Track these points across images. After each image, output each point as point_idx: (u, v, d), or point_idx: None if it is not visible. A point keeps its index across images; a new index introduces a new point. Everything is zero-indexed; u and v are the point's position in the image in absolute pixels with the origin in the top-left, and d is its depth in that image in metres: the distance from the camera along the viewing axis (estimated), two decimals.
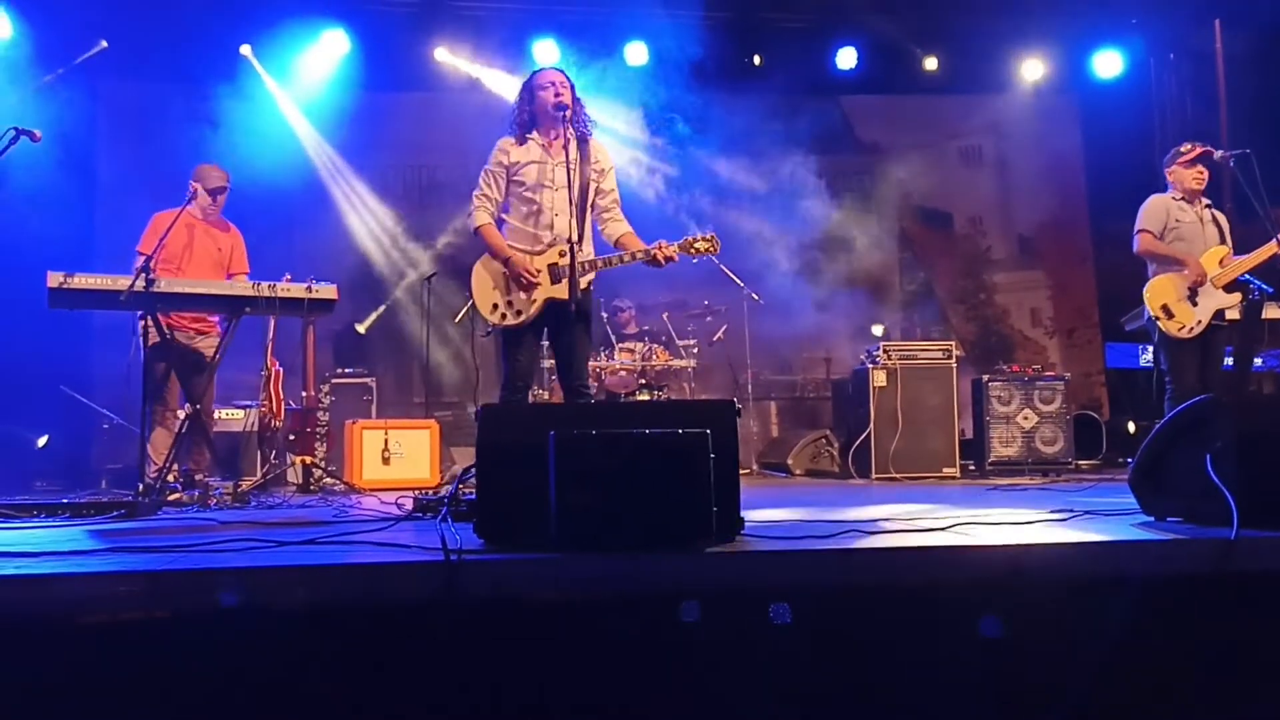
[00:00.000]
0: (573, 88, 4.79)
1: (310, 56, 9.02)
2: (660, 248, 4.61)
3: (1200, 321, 5.56)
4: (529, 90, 4.80)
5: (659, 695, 2.54)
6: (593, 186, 4.77)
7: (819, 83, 9.84)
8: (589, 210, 4.77)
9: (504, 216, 4.84)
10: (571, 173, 4.59)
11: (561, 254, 4.56)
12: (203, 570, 2.54)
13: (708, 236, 4.69)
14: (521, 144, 4.79)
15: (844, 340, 9.65)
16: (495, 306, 4.72)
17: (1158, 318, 5.62)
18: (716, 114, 9.31)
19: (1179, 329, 5.58)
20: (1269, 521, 2.84)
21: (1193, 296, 5.60)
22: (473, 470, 3.06)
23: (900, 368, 7.49)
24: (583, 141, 4.75)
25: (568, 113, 4.63)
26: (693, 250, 4.67)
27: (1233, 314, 5.72)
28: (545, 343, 5.50)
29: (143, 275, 4.96)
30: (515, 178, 4.76)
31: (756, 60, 9.77)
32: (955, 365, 7.57)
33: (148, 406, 5.43)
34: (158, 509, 4.59)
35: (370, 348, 9.28)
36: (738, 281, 8.31)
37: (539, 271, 4.65)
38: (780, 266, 9.72)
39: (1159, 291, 5.68)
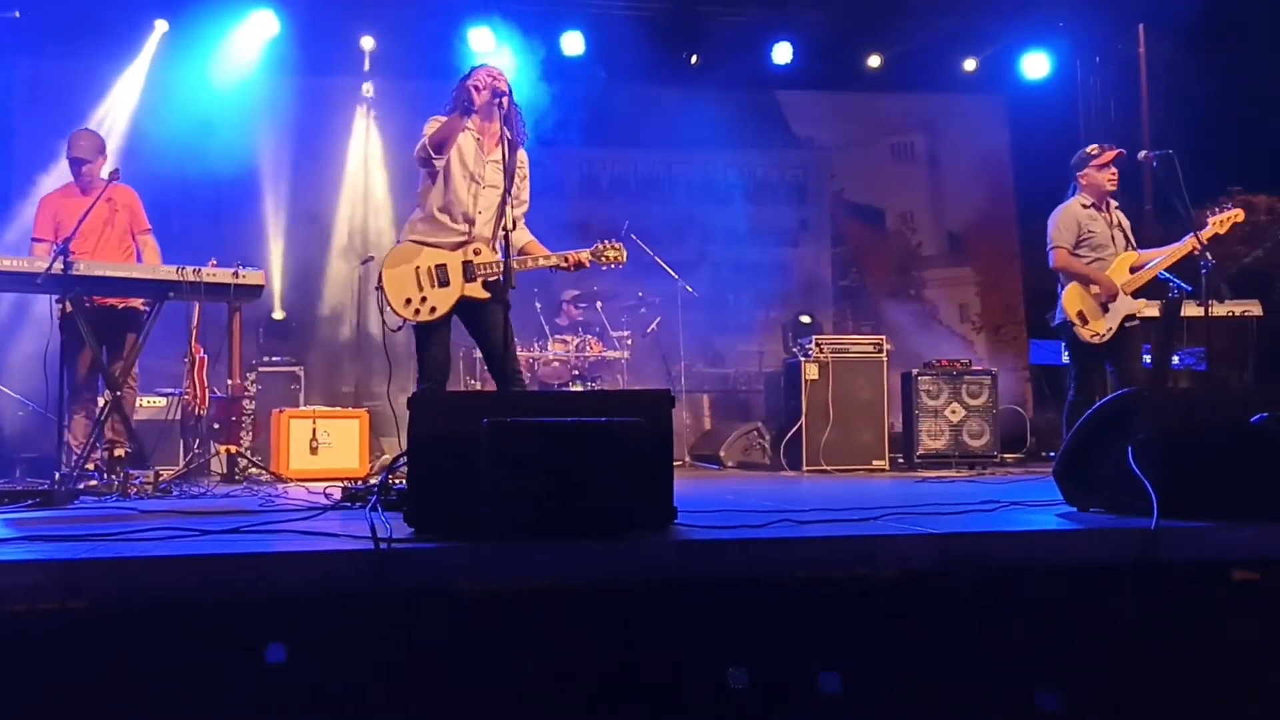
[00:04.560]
0: (510, 91, 4.74)
1: (236, 36, 8.78)
2: (575, 253, 4.82)
3: (1110, 329, 5.72)
4: (469, 78, 4.70)
5: (591, 683, 2.52)
6: (514, 190, 4.75)
7: (755, 76, 9.87)
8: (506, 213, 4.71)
9: (418, 205, 4.76)
10: (494, 169, 4.60)
11: (476, 252, 4.62)
12: (122, 559, 2.47)
13: (616, 245, 4.94)
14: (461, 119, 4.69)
15: (776, 333, 9.72)
16: (409, 301, 4.62)
17: (1073, 323, 5.76)
18: (651, 104, 9.31)
19: (1091, 335, 5.74)
20: (1187, 512, 2.93)
21: (1105, 306, 5.76)
22: (403, 459, 3.02)
23: (832, 361, 7.55)
24: (513, 148, 4.72)
25: (503, 99, 4.59)
26: (603, 259, 4.91)
27: (1149, 311, 5.91)
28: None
29: (60, 258, 4.81)
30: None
31: (694, 60, 9.77)
32: (886, 359, 7.66)
33: (65, 391, 5.26)
34: (75, 498, 4.45)
35: (299, 335, 9.11)
36: (671, 273, 8.32)
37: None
38: (714, 259, 9.77)
39: (1075, 299, 5.80)
